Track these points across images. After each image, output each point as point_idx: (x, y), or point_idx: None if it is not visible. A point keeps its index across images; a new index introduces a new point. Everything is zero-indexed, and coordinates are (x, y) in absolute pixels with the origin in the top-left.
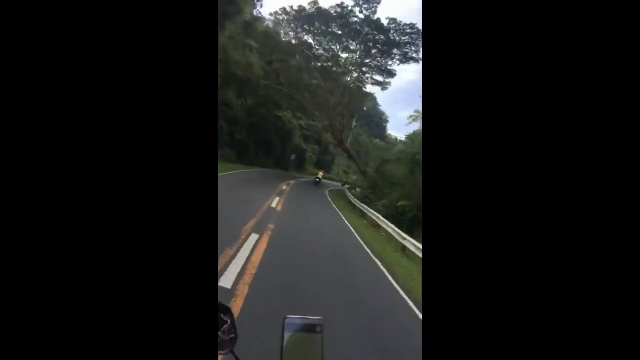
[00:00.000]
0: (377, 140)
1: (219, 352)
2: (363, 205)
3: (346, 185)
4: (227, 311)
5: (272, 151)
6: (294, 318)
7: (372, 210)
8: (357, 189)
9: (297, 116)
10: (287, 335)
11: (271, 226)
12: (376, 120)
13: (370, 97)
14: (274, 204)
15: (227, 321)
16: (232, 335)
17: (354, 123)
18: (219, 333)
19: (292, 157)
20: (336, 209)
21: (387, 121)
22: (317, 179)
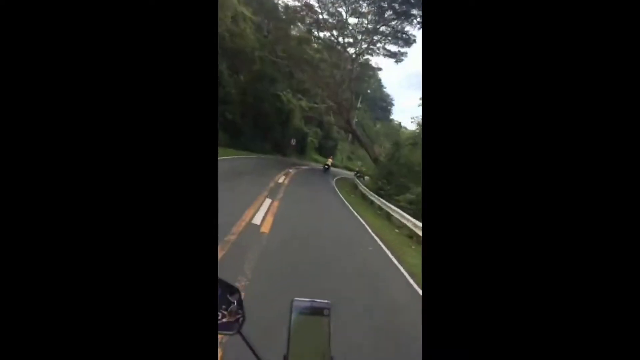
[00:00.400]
0: (385, 123)
1: (227, 333)
2: (383, 201)
3: (358, 175)
4: (235, 292)
5: (270, 134)
6: (302, 301)
7: (396, 209)
8: (366, 177)
9: (297, 97)
10: (294, 317)
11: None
12: (380, 104)
13: (375, 77)
14: (258, 218)
15: (234, 302)
16: (240, 316)
17: (359, 104)
18: (226, 314)
19: (293, 141)
20: (352, 209)
21: (392, 104)
22: (327, 166)
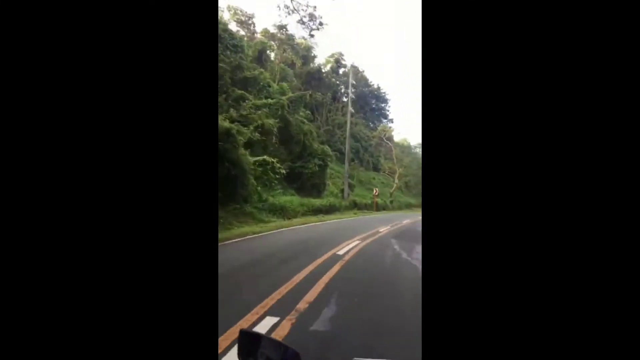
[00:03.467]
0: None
1: None
2: None
3: None
4: (296, 356)
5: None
6: None
7: None
8: None
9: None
10: None
11: None
12: (371, 103)
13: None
14: None
15: None
16: None
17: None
18: None
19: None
20: None
21: (386, 101)
22: None
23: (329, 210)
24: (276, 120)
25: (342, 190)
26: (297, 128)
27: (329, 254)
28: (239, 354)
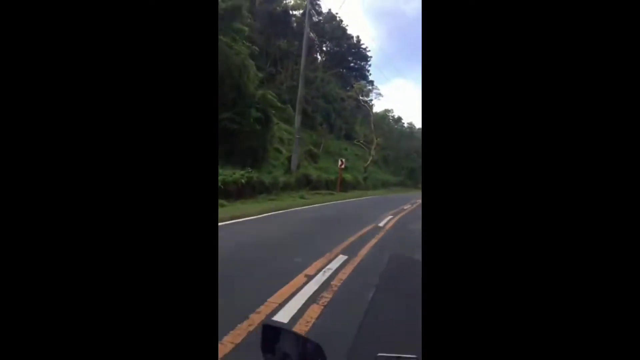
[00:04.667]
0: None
1: None
2: None
3: None
4: (318, 349)
5: None
6: (388, 357)
7: None
8: None
9: None
10: None
11: None
12: (350, 61)
13: None
14: None
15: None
16: None
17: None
18: None
19: None
20: None
21: (366, 58)
22: None
23: (253, 190)
24: None
25: (289, 160)
26: (226, 60)
27: None
28: (262, 348)
